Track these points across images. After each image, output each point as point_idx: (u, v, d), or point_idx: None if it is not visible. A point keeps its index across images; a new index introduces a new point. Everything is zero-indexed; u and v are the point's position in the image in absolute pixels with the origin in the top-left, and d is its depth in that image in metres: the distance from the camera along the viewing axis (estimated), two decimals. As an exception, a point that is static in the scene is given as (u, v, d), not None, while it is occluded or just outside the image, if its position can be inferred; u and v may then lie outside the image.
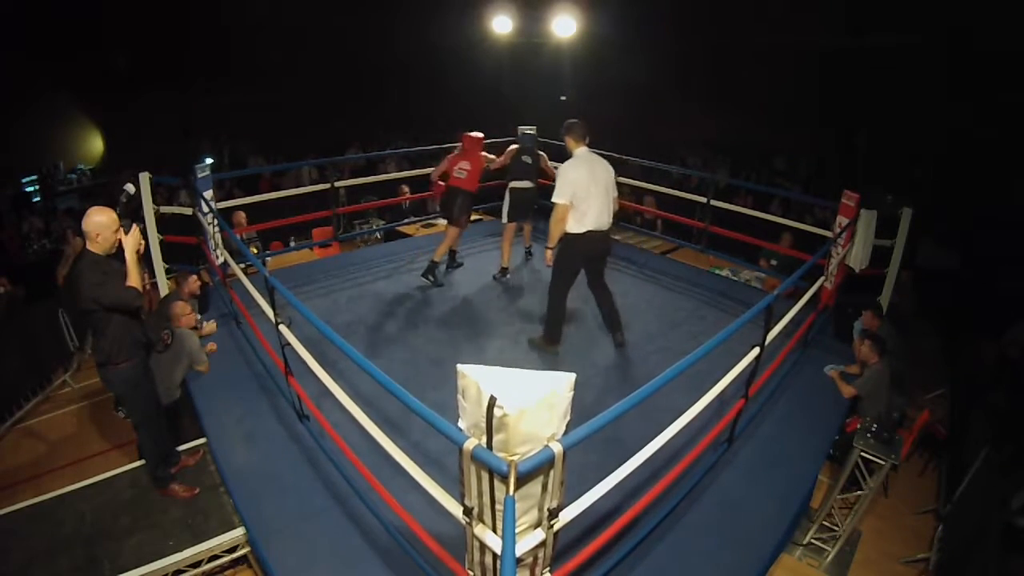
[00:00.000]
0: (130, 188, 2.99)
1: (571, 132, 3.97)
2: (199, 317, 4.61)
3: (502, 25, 7.27)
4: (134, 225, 2.82)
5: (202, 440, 3.54)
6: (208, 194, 4.94)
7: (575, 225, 3.88)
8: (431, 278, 5.44)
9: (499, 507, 1.82)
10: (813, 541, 3.58)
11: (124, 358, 2.82)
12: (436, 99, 13.93)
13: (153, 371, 3.14)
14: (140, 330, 2.92)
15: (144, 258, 3.00)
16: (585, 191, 3.81)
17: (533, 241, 6.36)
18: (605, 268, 4.30)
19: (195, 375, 3.95)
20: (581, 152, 3.94)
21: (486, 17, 7.36)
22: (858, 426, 3.65)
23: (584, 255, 4.05)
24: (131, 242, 2.77)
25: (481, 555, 2.00)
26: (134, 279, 2.73)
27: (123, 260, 2.75)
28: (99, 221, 2.68)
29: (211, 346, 4.27)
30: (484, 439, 1.77)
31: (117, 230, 2.74)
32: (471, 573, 2.09)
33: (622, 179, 6.20)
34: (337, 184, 6.21)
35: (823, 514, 3.62)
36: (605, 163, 4.02)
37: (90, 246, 2.71)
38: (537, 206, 5.79)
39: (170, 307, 4.02)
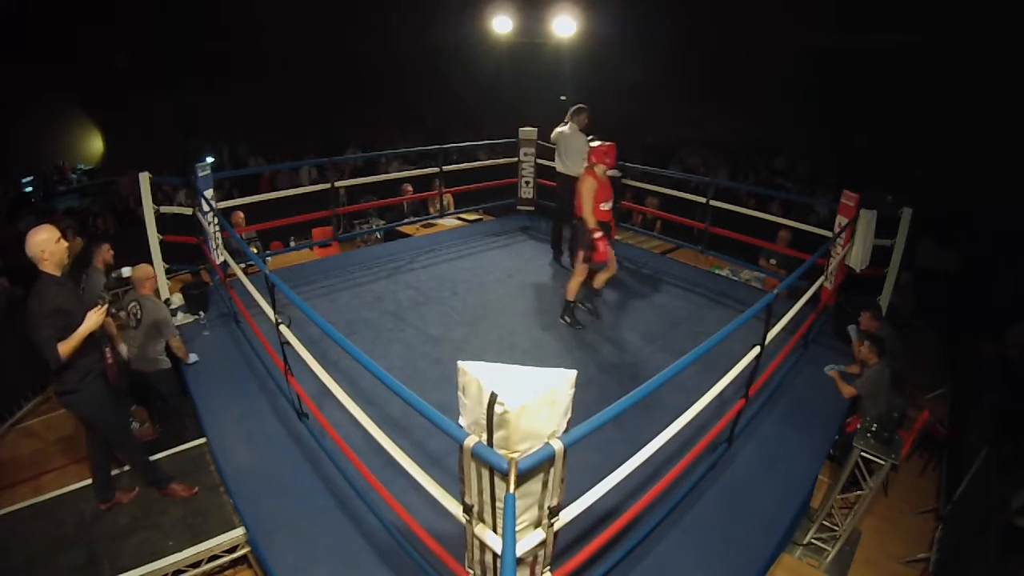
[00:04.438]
0: (124, 272, 2.90)
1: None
2: (200, 314, 4.64)
3: (502, 25, 7.28)
4: (106, 305, 2.76)
5: (202, 440, 3.54)
6: (208, 193, 4.94)
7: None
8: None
9: (499, 505, 1.81)
10: (813, 541, 3.58)
11: (83, 384, 2.75)
12: (436, 99, 13.94)
13: (129, 345, 3.02)
14: (97, 355, 2.83)
15: (142, 259, 2.97)
16: None
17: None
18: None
19: (195, 375, 3.95)
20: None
21: (486, 17, 7.36)
22: (858, 426, 3.65)
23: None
24: (93, 319, 2.67)
25: (481, 554, 2.00)
26: (69, 345, 2.61)
27: (79, 278, 2.58)
28: (40, 240, 2.61)
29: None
30: (484, 436, 1.76)
31: (59, 240, 2.67)
32: (471, 572, 2.09)
33: (625, 181, 6.22)
34: (337, 184, 6.20)
35: (823, 514, 3.62)
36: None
37: (43, 268, 2.63)
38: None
39: (133, 275, 3.84)
